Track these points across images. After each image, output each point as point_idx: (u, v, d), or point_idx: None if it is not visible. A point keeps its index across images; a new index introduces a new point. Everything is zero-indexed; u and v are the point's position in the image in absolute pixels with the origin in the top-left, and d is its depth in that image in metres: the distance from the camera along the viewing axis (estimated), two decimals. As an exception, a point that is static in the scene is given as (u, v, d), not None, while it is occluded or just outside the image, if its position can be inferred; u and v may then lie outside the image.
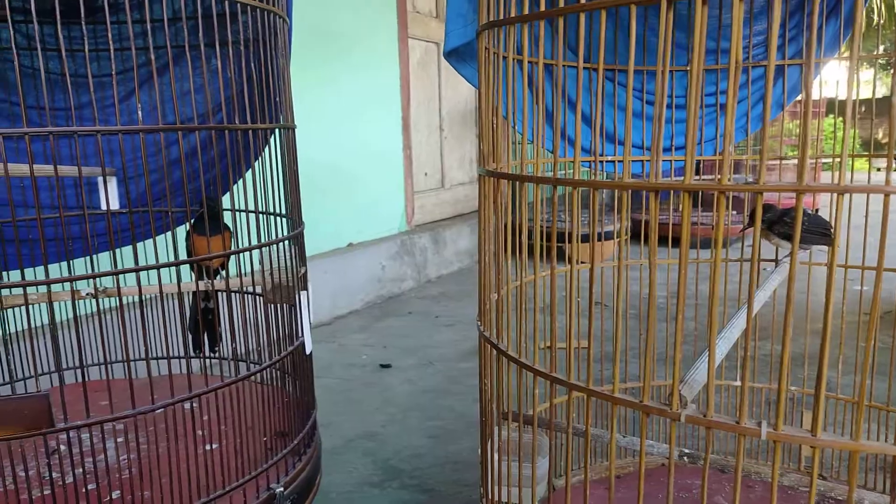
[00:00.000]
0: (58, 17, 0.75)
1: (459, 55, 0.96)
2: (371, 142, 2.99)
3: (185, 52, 1.37)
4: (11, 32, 0.75)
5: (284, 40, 1.12)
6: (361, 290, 2.88)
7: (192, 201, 1.45)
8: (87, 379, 0.87)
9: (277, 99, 1.19)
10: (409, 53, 3.23)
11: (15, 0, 1.18)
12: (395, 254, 3.08)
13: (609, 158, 1.06)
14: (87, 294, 1.03)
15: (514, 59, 0.73)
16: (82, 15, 0.79)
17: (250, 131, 1.12)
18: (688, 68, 1.11)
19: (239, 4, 0.96)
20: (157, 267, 0.84)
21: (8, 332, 1.33)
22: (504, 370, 0.85)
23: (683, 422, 0.52)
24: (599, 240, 3.36)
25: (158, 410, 0.85)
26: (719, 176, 0.53)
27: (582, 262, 1.18)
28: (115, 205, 1.34)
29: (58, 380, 1.21)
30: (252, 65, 1.09)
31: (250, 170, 1.07)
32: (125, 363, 0.82)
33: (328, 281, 2.64)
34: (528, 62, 0.83)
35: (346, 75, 2.78)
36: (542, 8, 0.63)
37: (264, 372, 1.01)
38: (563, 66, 0.97)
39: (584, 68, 0.99)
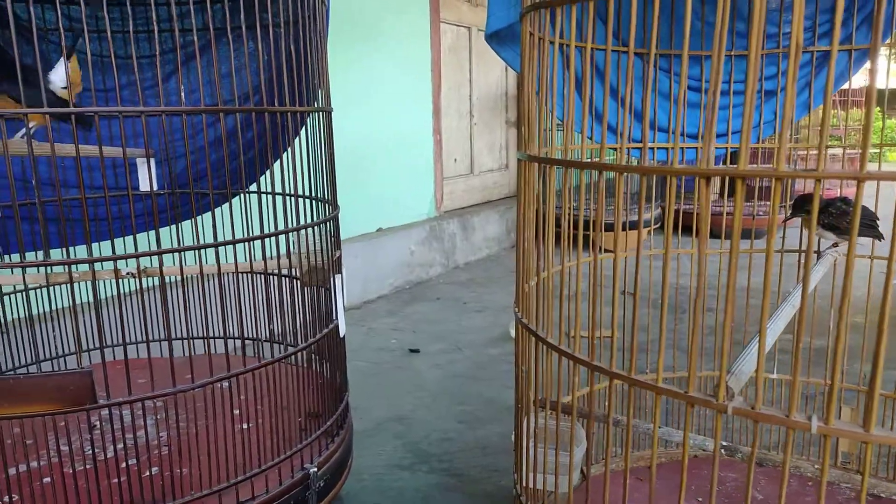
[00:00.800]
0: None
1: (500, 38, 0.94)
2: (402, 127, 2.98)
3: (224, 35, 1.38)
4: (59, 14, 0.75)
5: (323, 23, 1.12)
6: (391, 274, 2.89)
7: (225, 185, 1.46)
8: (128, 357, 0.89)
9: (315, 82, 1.19)
10: (441, 38, 3.21)
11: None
12: (423, 239, 3.09)
13: (655, 145, 1.04)
14: (129, 273, 1.04)
15: (558, 44, 0.71)
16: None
17: (288, 113, 1.12)
18: (732, 53, 1.08)
19: (279, -14, 0.96)
20: (198, 248, 0.84)
21: (53, 308, 1.36)
22: (542, 357, 0.85)
23: (730, 414, 0.51)
24: (631, 228, 3.33)
25: (197, 389, 0.87)
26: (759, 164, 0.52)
27: (607, 251, 1.16)
28: (153, 185, 1.35)
29: (100, 356, 1.24)
30: (290, 47, 1.09)
31: (289, 152, 1.08)
32: (167, 341, 0.84)
33: (358, 265, 2.66)
34: (573, 46, 0.81)
35: (377, 59, 2.77)
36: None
37: (299, 354, 1.02)
38: (602, 50, 0.96)
39: (621, 52, 0.97)
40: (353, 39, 2.61)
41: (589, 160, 0.73)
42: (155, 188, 1.36)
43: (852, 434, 0.47)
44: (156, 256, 0.83)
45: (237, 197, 1.25)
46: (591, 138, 1.03)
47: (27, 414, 0.78)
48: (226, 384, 1.15)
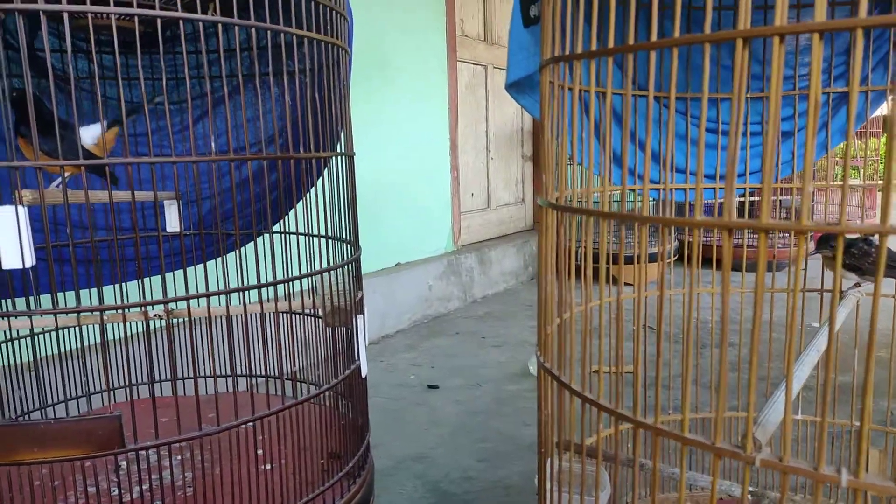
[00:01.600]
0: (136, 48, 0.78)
1: (520, 87, 0.97)
2: (420, 163, 3.02)
3: (248, 81, 1.42)
4: (95, 63, 0.79)
5: (346, 71, 1.15)
6: (409, 309, 2.90)
7: (249, 225, 1.49)
8: (154, 395, 0.90)
9: (337, 126, 1.22)
10: (458, 76, 3.27)
11: (100, 35, 1.24)
12: (441, 273, 3.10)
13: (674, 185, 1.05)
14: (156, 315, 1.06)
15: (578, 91, 0.73)
16: (156, 43, 0.83)
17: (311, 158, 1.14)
18: (748, 96, 1.09)
19: (305, 37, 0.99)
20: (227, 292, 0.86)
21: (82, 345, 1.38)
22: (565, 401, 0.85)
23: (758, 466, 0.51)
24: (650, 261, 3.32)
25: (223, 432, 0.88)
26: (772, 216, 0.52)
27: (627, 284, 1.16)
28: (180, 227, 1.39)
29: (125, 395, 1.26)
30: (313, 93, 1.12)
31: (312, 194, 1.10)
32: (193, 380, 0.85)
33: (377, 300, 2.67)
34: (591, 92, 0.83)
35: (395, 97, 2.82)
36: (611, 43, 0.64)
37: (322, 394, 1.03)
38: (619, 94, 0.97)
39: (639, 96, 0.99)
40: (372, 77, 2.67)
41: (609, 208, 0.74)
42: (181, 229, 1.39)
43: (884, 489, 0.47)
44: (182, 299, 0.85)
45: (262, 236, 1.27)
46: (610, 181, 1.04)
47: (57, 459, 0.80)
48: (250, 425, 1.16)
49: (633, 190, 1.05)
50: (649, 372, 1.47)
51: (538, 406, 0.96)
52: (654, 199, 1.09)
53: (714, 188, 1.08)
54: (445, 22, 3.10)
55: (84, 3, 0.76)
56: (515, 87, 0.97)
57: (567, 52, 0.75)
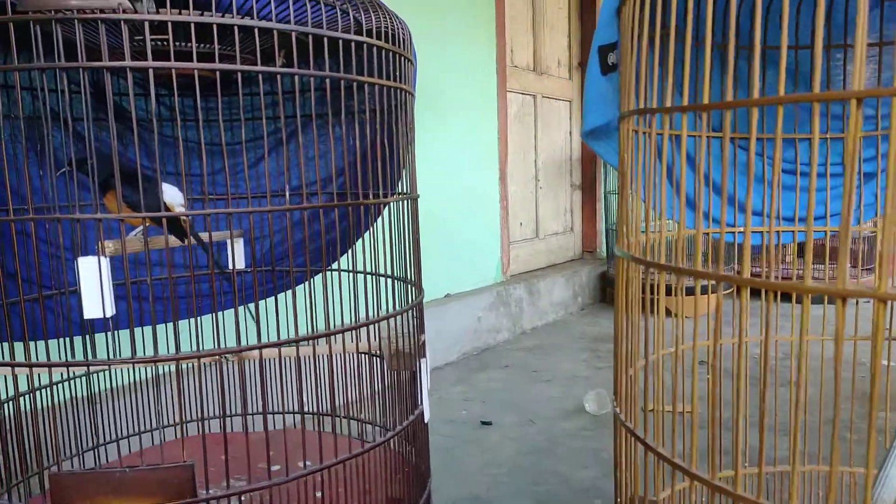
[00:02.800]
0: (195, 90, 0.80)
1: (595, 134, 0.96)
2: (470, 194, 3.02)
3: (312, 122, 1.44)
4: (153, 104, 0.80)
5: (412, 114, 1.16)
6: (458, 341, 2.88)
7: (312, 262, 1.50)
8: (225, 429, 0.90)
9: (399, 167, 1.22)
10: (508, 106, 3.27)
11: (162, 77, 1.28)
12: (490, 304, 3.07)
13: (750, 228, 1.01)
14: (228, 357, 1.07)
15: (654, 135, 0.71)
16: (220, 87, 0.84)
17: (371, 197, 1.15)
18: (827, 136, 1.06)
19: (374, 84, 0.99)
20: (299, 340, 0.86)
21: (133, 380, 1.41)
22: (638, 453, 0.81)
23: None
24: (703, 293, 3.23)
25: (291, 482, 0.87)
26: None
27: (686, 316, 1.12)
28: (241, 264, 1.40)
29: (198, 428, 1.27)
30: (376, 134, 1.13)
31: (377, 233, 1.10)
32: (263, 415, 0.85)
33: (427, 332, 2.66)
34: (665, 136, 0.81)
35: (446, 129, 2.84)
36: (686, 89, 0.62)
37: (387, 439, 1.01)
38: (694, 136, 0.95)
39: (713, 137, 0.96)
40: (423, 108, 2.69)
41: (689, 265, 0.71)
42: (242, 266, 1.41)
43: None
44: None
45: (324, 275, 1.28)
46: (679, 223, 1.01)
47: (132, 507, 0.80)
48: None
49: (708, 233, 1.02)
50: (723, 415, 1.41)
51: (614, 462, 0.92)
52: (728, 243, 1.05)
53: (793, 231, 1.04)
54: (496, 53, 3.11)
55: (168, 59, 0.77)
56: (591, 135, 0.96)
57: (648, 105, 0.73)
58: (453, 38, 2.88)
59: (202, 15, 0.84)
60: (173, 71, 0.80)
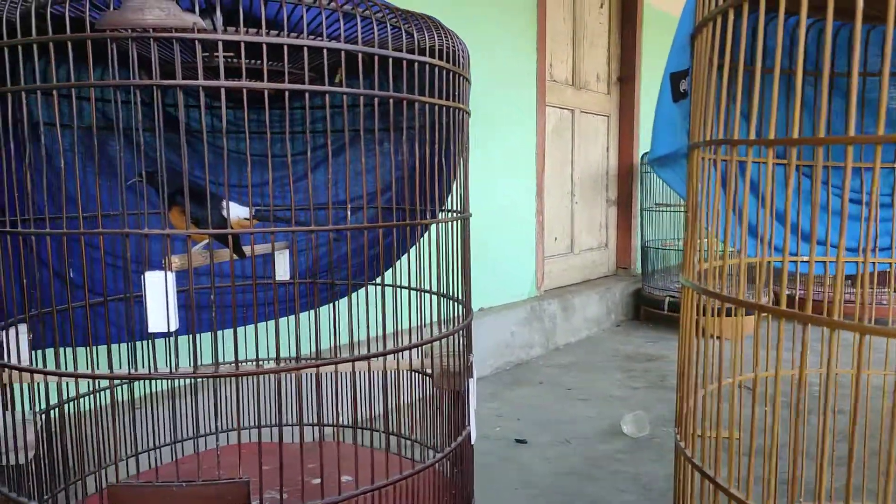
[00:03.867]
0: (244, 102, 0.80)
1: (661, 161, 0.94)
2: (506, 208, 3.01)
3: (367, 134, 1.44)
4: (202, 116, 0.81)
5: (467, 133, 1.15)
6: (491, 355, 2.86)
7: (356, 275, 1.50)
8: (282, 440, 0.90)
9: (451, 184, 1.22)
10: (546, 121, 3.26)
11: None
12: (524, 319, 3.05)
13: (814, 258, 0.99)
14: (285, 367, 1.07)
15: (719, 162, 0.70)
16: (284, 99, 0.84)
17: (418, 213, 1.14)
18: (894, 165, 1.03)
19: (434, 105, 0.99)
20: (355, 360, 0.86)
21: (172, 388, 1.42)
22: (694, 480, 0.79)
23: None
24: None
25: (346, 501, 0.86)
26: None
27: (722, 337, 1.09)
28: (286, 276, 1.41)
29: (257, 434, 1.27)
30: (426, 149, 1.12)
31: (424, 249, 1.10)
32: (319, 426, 0.84)
33: (460, 346, 2.64)
34: (732, 163, 0.79)
35: (484, 142, 2.83)
36: (752, 126, 0.60)
37: (438, 460, 1.00)
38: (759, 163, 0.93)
39: (778, 164, 0.94)
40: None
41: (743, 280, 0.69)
42: (287, 278, 1.42)
43: None
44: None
45: (371, 289, 1.27)
46: (740, 251, 0.99)
47: (187, 521, 0.80)
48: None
49: (770, 262, 0.99)
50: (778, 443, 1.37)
51: (675, 495, 0.90)
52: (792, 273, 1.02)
53: (857, 262, 1.01)
54: (536, 67, 3.11)
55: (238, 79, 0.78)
56: (657, 162, 0.94)
57: (714, 135, 0.72)
58: (494, 52, 2.88)
59: (269, 34, 0.85)
60: (244, 91, 0.80)
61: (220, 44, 0.75)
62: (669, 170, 0.96)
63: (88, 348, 0.77)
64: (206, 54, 0.93)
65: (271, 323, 1.56)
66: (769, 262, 1.00)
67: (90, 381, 0.81)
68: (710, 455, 0.70)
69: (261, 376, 1.57)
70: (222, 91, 0.76)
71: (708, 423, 0.72)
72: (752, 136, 0.68)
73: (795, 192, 0.99)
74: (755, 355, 0.75)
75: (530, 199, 3.20)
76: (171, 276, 0.76)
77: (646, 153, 3.76)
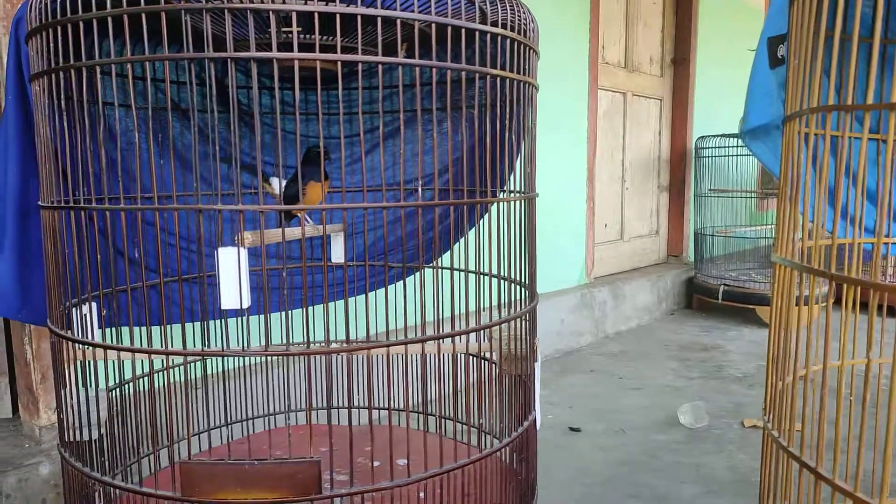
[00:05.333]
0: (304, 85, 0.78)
1: (754, 133, 0.89)
2: (556, 193, 2.96)
3: (425, 114, 1.42)
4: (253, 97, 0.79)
5: (534, 108, 1.12)
6: (541, 342, 2.82)
7: (412, 258, 1.48)
8: (352, 425, 0.89)
9: (513, 164, 1.18)
10: (598, 105, 3.18)
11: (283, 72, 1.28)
12: (574, 307, 3.00)
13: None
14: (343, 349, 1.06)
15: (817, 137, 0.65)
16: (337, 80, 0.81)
17: (478, 194, 1.11)
18: None
19: (506, 78, 0.96)
20: (422, 341, 0.84)
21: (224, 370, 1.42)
22: (790, 470, 0.75)
23: None
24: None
25: (412, 484, 0.85)
26: None
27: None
28: (342, 258, 1.40)
29: (326, 416, 1.27)
30: (486, 128, 1.08)
31: (486, 231, 1.07)
32: (387, 410, 0.83)
33: (511, 333, 2.61)
34: (827, 138, 0.74)
35: (536, 127, 2.78)
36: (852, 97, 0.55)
37: (504, 445, 0.98)
38: (854, 138, 0.87)
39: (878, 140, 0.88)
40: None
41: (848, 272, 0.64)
42: (342, 260, 1.40)
43: None
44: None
45: (426, 272, 1.25)
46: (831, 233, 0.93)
47: (258, 500, 0.80)
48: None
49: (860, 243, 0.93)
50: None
51: (761, 482, 0.86)
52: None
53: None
54: (588, 50, 3.03)
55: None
56: (750, 134, 0.89)
57: (806, 105, 0.67)
58: (546, 34, 2.81)
59: (327, 4, 0.82)
60: (296, 62, 0.78)
61: (293, 15, 0.73)
62: (761, 143, 0.90)
63: (162, 327, 0.77)
64: (274, 30, 0.92)
65: (330, 305, 1.55)
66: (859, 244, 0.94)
67: (163, 357, 0.81)
68: (810, 445, 0.66)
69: (317, 358, 1.57)
70: (296, 64, 0.74)
71: (808, 412, 0.68)
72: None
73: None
74: (846, 343, 0.70)
75: (581, 184, 3.13)
76: (244, 253, 0.75)
77: (701, 137, 3.64)
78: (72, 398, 0.88)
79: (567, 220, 3.07)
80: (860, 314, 0.99)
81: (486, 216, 1.12)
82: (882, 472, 0.56)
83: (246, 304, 0.76)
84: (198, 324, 1.14)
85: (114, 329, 0.93)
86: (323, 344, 1.29)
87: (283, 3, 0.72)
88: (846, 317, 0.66)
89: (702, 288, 3.65)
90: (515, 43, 0.94)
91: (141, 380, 1.08)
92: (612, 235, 3.54)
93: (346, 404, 1.55)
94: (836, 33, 0.64)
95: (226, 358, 1.38)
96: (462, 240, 1.16)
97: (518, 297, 1.12)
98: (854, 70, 0.61)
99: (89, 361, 0.91)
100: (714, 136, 3.57)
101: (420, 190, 0.93)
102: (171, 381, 1.16)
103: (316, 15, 0.73)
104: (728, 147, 3.52)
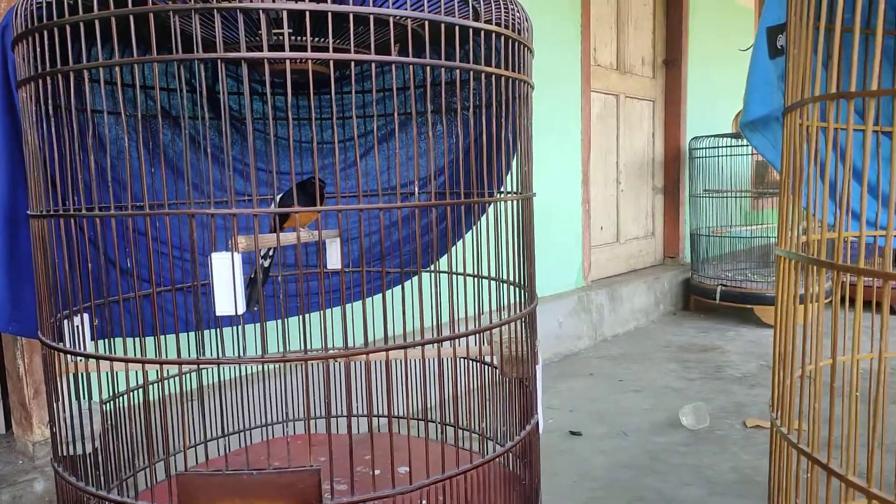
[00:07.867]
0: (294, 90, 0.77)
1: (753, 125, 0.88)
2: (553, 196, 2.95)
3: (419, 118, 1.41)
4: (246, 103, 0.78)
5: (531, 107, 1.11)
6: (539, 347, 2.81)
7: (408, 263, 1.47)
8: (352, 434, 0.87)
9: (510, 164, 1.17)
10: (591, 107, 3.18)
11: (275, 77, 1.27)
12: (571, 310, 2.99)
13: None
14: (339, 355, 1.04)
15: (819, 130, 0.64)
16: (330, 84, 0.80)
17: (474, 195, 1.10)
18: None
19: (501, 76, 0.95)
20: (423, 343, 0.82)
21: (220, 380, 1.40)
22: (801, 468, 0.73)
23: None
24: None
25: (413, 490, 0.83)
26: None
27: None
28: (338, 264, 1.38)
29: (326, 425, 1.25)
30: (481, 129, 1.07)
31: (483, 233, 1.05)
32: (387, 419, 0.81)
33: (509, 337, 2.60)
34: (830, 129, 0.73)
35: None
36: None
37: (507, 450, 0.96)
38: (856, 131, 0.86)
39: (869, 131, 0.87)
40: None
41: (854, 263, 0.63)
42: (338, 266, 1.39)
43: None
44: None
45: (424, 276, 1.24)
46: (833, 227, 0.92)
47: (257, 510, 0.78)
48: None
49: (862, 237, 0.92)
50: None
51: (769, 480, 0.84)
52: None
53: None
54: (580, 52, 3.03)
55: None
56: (750, 126, 0.88)
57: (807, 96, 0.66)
58: (538, 38, 2.81)
59: (318, 3, 0.81)
60: (287, 63, 0.77)
61: (284, 14, 0.72)
62: (760, 135, 0.89)
63: (155, 337, 0.75)
64: (265, 31, 0.90)
65: (328, 311, 1.54)
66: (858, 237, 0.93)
67: (157, 368, 0.79)
68: (818, 441, 0.65)
69: (318, 365, 1.55)
70: (287, 64, 0.72)
71: (818, 408, 0.67)
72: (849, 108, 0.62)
73: (887, 160, 0.92)
74: (851, 337, 0.69)
75: (576, 188, 3.13)
76: (238, 258, 0.73)
77: (694, 137, 3.65)
78: (65, 411, 0.86)
79: (563, 223, 3.06)
80: (863, 311, 0.99)
81: (484, 218, 1.11)
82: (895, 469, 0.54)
83: (241, 311, 0.74)
84: (192, 334, 1.12)
85: (107, 340, 0.92)
86: (321, 351, 1.27)
87: (273, 1, 0.71)
88: (857, 312, 0.65)
89: (699, 289, 3.64)
90: (510, 40, 0.93)
91: (135, 391, 1.06)
92: (608, 238, 3.54)
93: (344, 413, 1.53)
94: (836, 25, 0.63)
95: (222, 368, 1.35)
96: (459, 243, 1.15)
97: (514, 300, 1.10)
98: (855, 60, 0.60)
99: (82, 373, 0.89)
100: (707, 136, 3.57)
101: (416, 193, 0.91)
102: (167, 392, 1.14)
103: (307, 14, 0.72)
104: (721, 147, 3.52)
